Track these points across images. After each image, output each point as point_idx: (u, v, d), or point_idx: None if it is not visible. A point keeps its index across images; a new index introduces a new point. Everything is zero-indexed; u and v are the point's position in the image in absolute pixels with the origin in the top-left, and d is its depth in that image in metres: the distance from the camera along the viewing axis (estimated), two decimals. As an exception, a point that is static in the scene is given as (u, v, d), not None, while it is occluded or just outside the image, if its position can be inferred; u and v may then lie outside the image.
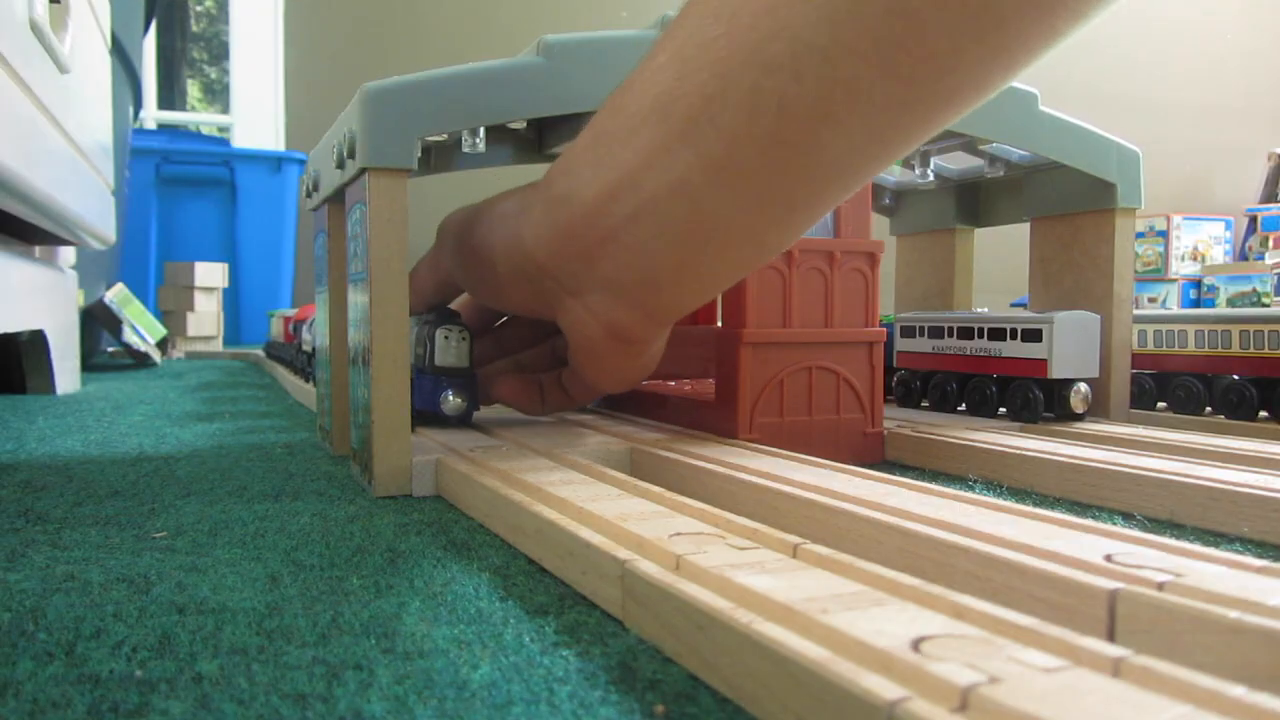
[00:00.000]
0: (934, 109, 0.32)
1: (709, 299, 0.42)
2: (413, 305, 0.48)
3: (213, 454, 0.54)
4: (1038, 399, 0.55)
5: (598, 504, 0.31)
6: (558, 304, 0.40)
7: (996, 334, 0.58)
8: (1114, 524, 0.30)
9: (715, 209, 0.34)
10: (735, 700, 0.20)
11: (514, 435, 0.48)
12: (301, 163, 2.18)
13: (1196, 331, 0.61)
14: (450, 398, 0.49)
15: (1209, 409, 0.61)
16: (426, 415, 0.50)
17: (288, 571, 0.30)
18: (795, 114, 0.31)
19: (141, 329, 1.42)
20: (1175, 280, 2.60)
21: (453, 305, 0.52)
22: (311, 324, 0.80)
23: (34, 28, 0.65)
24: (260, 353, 1.46)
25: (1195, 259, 2.66)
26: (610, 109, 0.36)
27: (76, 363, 1.04)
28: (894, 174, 0.75)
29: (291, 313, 1.16)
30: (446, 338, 0.48)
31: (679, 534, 0.27)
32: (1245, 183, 3.10)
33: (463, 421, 0.50)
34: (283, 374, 1.05)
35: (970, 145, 0.59)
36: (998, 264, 1.32)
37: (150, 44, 2.21)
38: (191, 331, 1.76)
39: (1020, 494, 0.43)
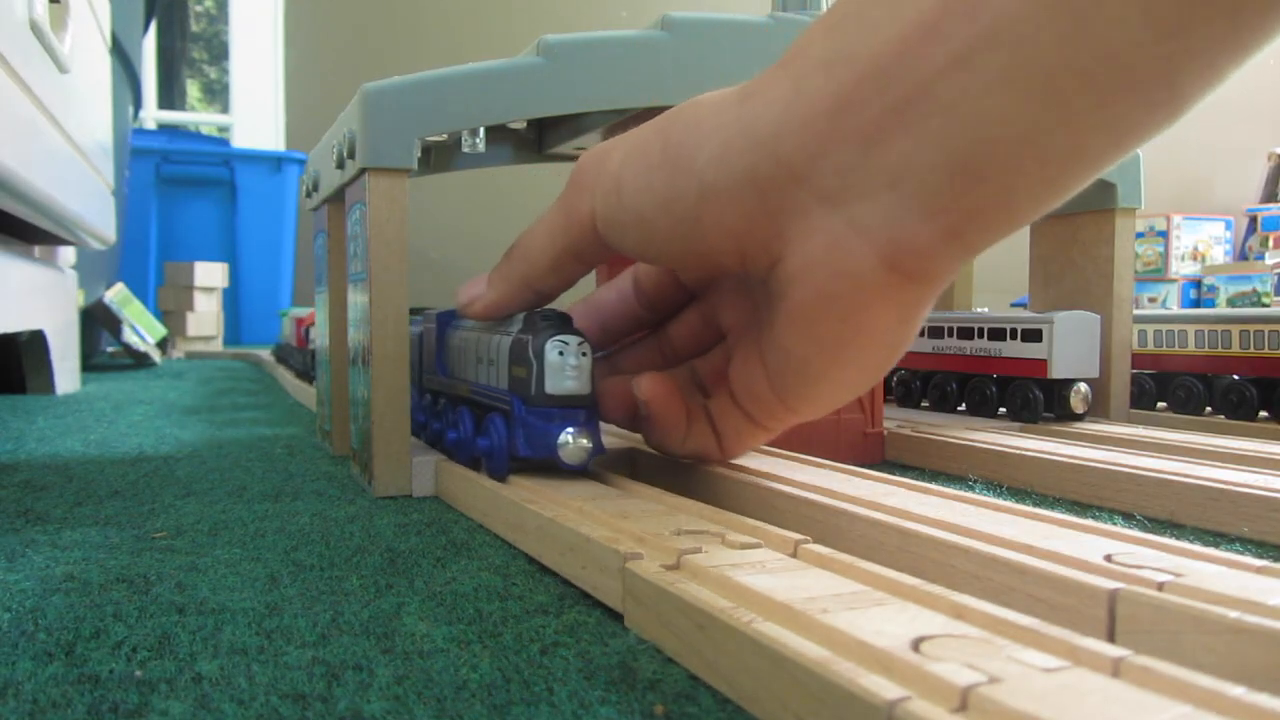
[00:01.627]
0: None
1: (1047, 207, 0.26)
2: (510, 294, 0.37)
3: (213, 454, 0.54)
4: (1038, 399, 0.55)
5: (598, 503, 0.31)
6: (796, 227, 0.27)
7: (996, 334, 0.58)
8: (1114, 524, 0.30)
9: (1110, 30, 0.22)
10: (735, 700, 0.20)
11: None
12: (301, 163, 2.18)
13: (1196, 331, 0.61)
14: (572, 440, 0.34)
15: (1209, 409, 0.61)
16: (527, 462, 0.36)
17: (287, 571, 0.30)
18: None
19: (141, 329, 1.42)
20: (1175, 280, 2.60)
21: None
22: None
23: (34, 28, 0.65)
24: (261, 354, 1.46)
25: (1195, 259, 2.66)
26: None
27: (76, 363, 1.04)
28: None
29: (305, 313, 1.06)
30: (562, 353, 0.34)
31: (679, 533, 0.27)
32: (1245, 183, 3.10)
33: (580, 471, 0.36)
34: (290, 381, 0.97)
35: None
36: (998, 264, 1.32)
37: (150, 44, 2.21)
38: (191, 331, 1.76)
39: (1020, 494, 0.43)
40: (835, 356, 0.29)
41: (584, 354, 0.35)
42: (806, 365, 0.29)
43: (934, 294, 0.28)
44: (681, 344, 0.39)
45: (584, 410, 0.35)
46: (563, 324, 0.35)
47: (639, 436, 0.40)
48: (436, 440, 0.44)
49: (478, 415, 0.39)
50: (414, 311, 0.49)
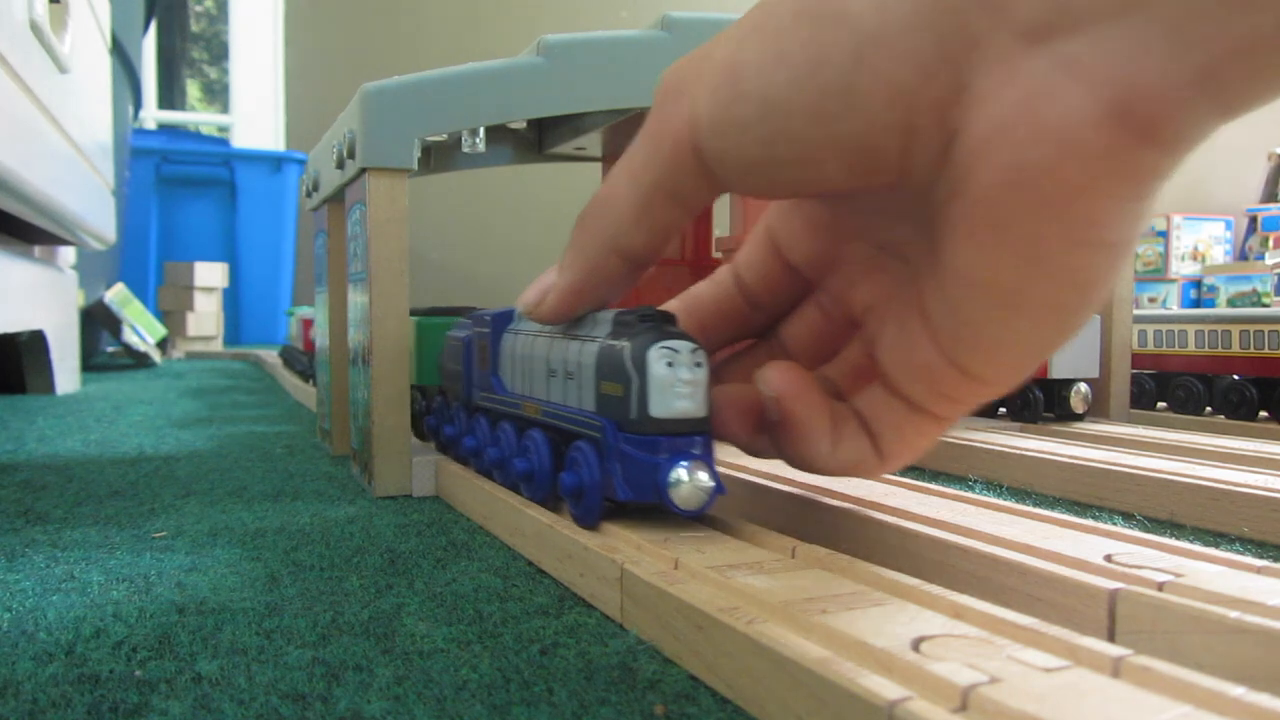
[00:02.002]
0: None
1: None
2: (591, 266, 0.28)
3: (213, 454, 0.54)
4: (1038, 399, 0.55)
5: (598, 504, 0.31)
6: (986, 79, 0.20)
7: (996, 334, 0.57)
8: (1114, 524, 0.30)
9: None
10: (735, 700, 0.20)
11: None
12: (301, 163, 2.18)
13: (1196, 331, 0.61)
14: (687, 477, 0.26)
15: (1209, 409, 0.61)
16: (626, 507, 0.29)
17: (288, 571, 0.30)
18: None
19: (141, 329, 1.42)
20: (1175, 280, 2.60)
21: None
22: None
23: (34, 28, 0.65)
24: (261, 353, 1.46)
25: (1195, 259, 2.66)
26: None
27: (76, 363, 1.04)
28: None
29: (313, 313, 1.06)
30: (671, 364, 0.26)
31: (677, 535, 0.27)
32: (1245, 183, 3.10)
33: (695, 516, 0.28)
34: (291, 381, 0.94)
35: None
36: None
37: (150, 44, 2.21)
38: (191, 331, 1.76)
39: (1020, 494, 0.43)
40: (1036, 268, 0.20)
41: (698, 364, 0.27)
42: (996, 294, 0.21)
43: (1173, 166, 0.21)
44: (801, 348, 0.30)
45: (701, 438, 0.27)
46: (666, 324, 0.27)
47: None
48: (491, 470, 0.37)
49: (554, 440, 0.32)
50: (452, 312, 0.44)
